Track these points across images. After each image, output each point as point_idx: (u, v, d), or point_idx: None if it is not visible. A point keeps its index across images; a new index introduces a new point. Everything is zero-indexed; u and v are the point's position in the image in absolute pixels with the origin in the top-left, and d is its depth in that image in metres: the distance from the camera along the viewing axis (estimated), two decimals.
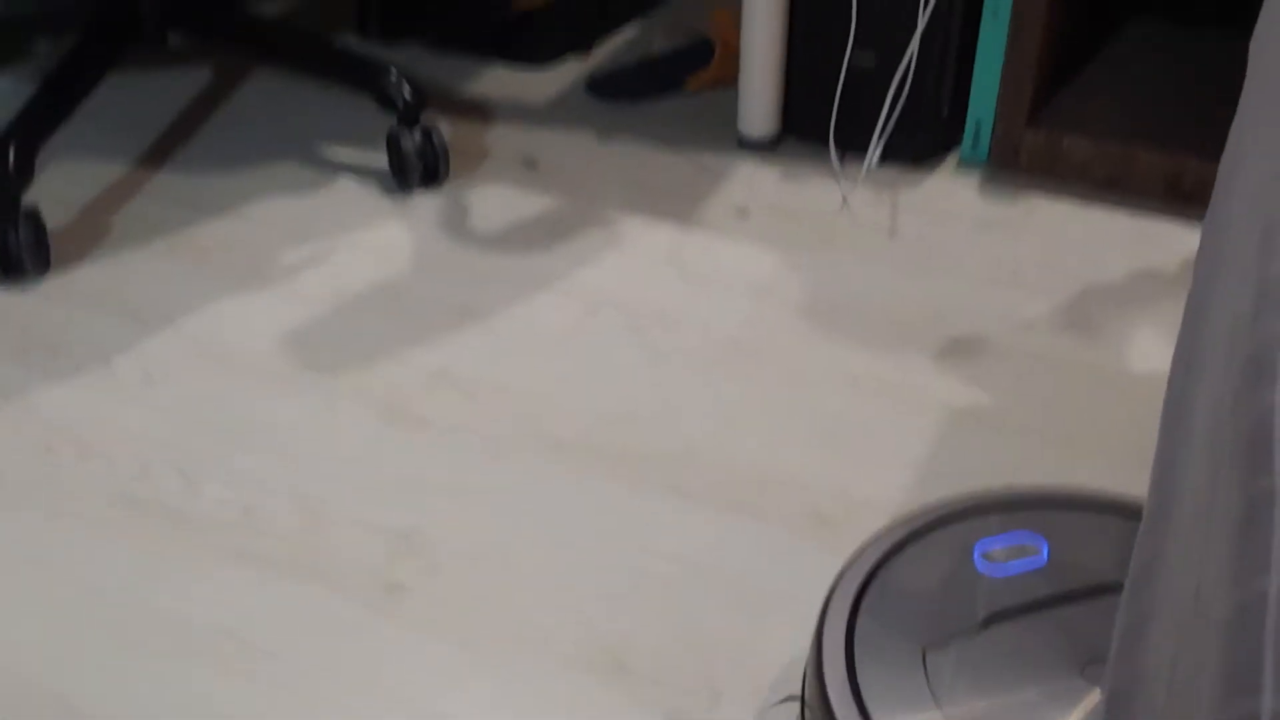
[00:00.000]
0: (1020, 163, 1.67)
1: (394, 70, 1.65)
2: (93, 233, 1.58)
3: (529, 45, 2.01)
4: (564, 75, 1.95)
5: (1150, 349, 1.37)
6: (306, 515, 1.19)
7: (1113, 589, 0.95)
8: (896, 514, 1.18)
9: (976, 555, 0.98)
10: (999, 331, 1.40)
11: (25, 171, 1.47)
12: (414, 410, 1.31)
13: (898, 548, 1.00)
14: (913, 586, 0.97)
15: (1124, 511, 1.02)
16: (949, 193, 1.65)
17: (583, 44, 2.02)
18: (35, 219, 1.48)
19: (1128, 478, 1.20)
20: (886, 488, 1.21)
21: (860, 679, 0.90)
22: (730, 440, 1.27)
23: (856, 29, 1.62)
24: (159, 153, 1.75)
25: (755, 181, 1.68)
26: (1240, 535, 0.38)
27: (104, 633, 1.08)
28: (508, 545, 1.16)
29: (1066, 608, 0.95)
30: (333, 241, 1.57)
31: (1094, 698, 0.89)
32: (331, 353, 1.39)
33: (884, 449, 1.25)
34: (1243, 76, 0.80)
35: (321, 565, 1.14)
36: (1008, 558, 0.98)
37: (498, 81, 1.94)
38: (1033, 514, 1.02)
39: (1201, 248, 0.85)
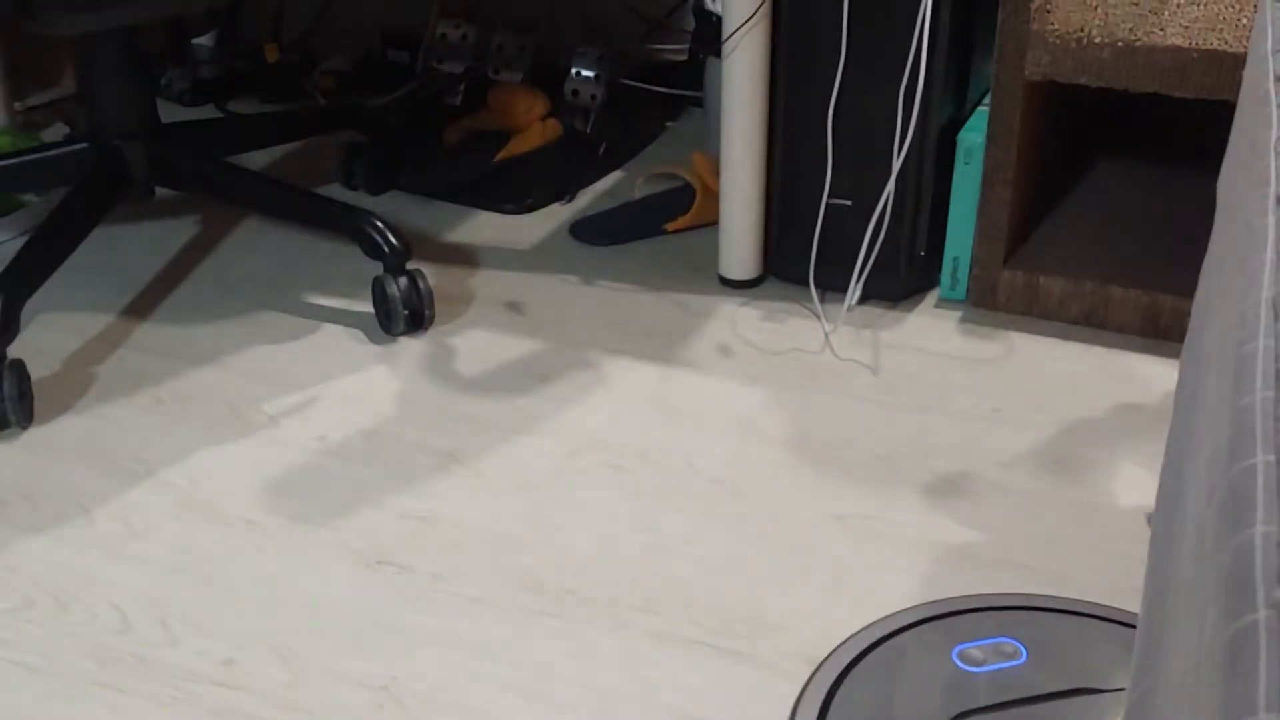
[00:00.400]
0: (999, 301, 1.69)
1: (379, 218, 1.67)
2: (77, 384, 1.58)
3: (513, 193, 2.04)
4: (547, 220, 1.98)
5: (1135, 484, 1.37)
6: (286, 667, 1.17)
7: (1088, 691, 0.94)
8: None
9: (954, 655, 0.97)
10: (984, 468, 1.40)
11: (10, 326, 1.48)
12: (397, 558, 1.29)
13: (874, 646, 0.99)
14: (886, 683, 0.95)
15: (1106, 619, 1.01)
16: (930, 330, 1.67)
17: (566, 191, 2.05)
18: (20, 372, 1.48)
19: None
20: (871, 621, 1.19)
21: None
22: (719, 582, 1.25)
23: (833, 172, 1.65)
24: (144, 303, 1.76)
25: (737, 321, 1.69)
26: (1226, 675, 0.37)
27: None
28: (492, 697, 1.13)
29: (1038, 707, 0.93)
30: (316, 389, 1.57)
31: None
32: (314, 501, 1.38)
33: (874, 588, 1.24)
34: (1212, 211, 0.82)
35: (302, 719, 1.11)
36: (985, 659, 0.97)
37: (482, 227, 1.97)
38: (1013, 619, 1.01)
39: (1180, 384, 0.86)
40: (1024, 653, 0.96)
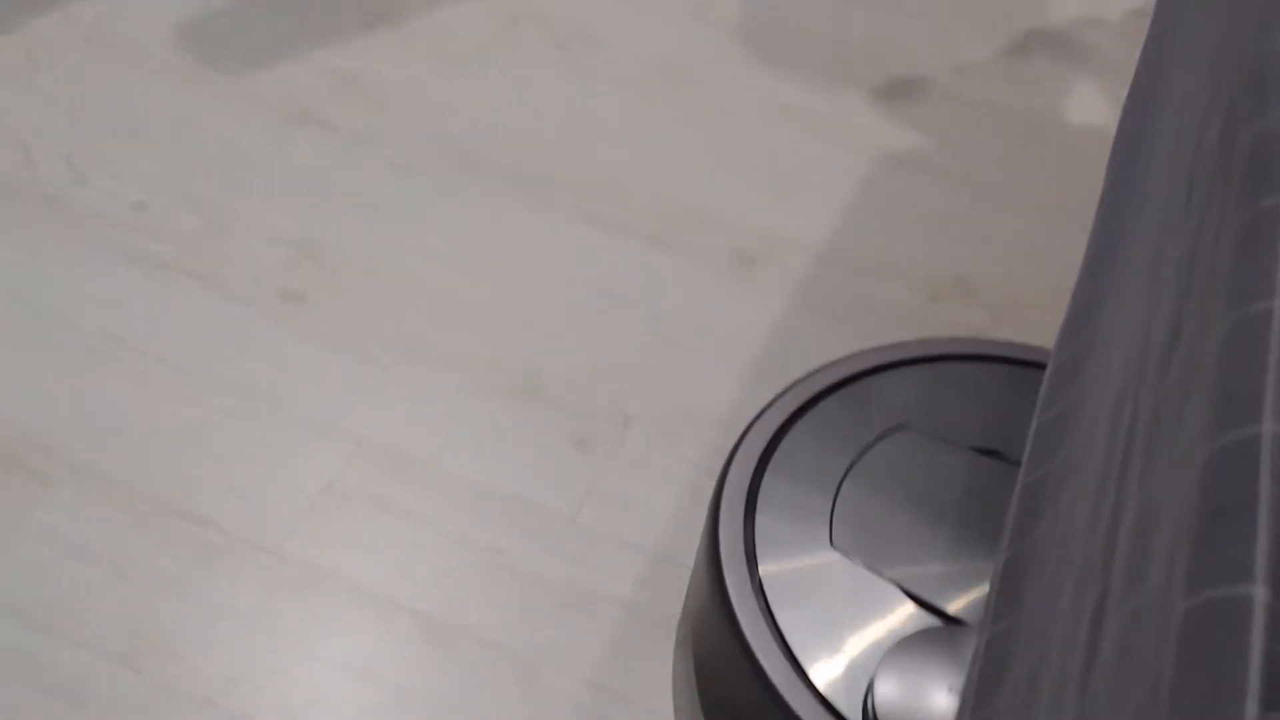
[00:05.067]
0: None
1: None
2: None
3: None
4: None
5: (1089, 101, 1.33)
6: (201, 217, 1.12)
7: None
8: (818, 254, 1.15)
9: None
10: (938, 72, 1.35)
11: None
12: (320, 115, 1.23)
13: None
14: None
15: None
16: None
17: None
18: None
19: (1056, 228, 1.17)
20: (812, 228, 1.17)
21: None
22: (653, 169, 1.21)
23: None
24: None
25: None
26: (1236, 259, 0.34)
27: None
28: (414, 262, 1.11)
29: None
30: None
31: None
32: (234, 48, 1.29)
33: (812, 187, 1.21)
34: None
35: (216, 269, 1.08)
36: None
37: None
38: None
39: None
40: None
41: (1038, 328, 1.08)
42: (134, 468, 0.94)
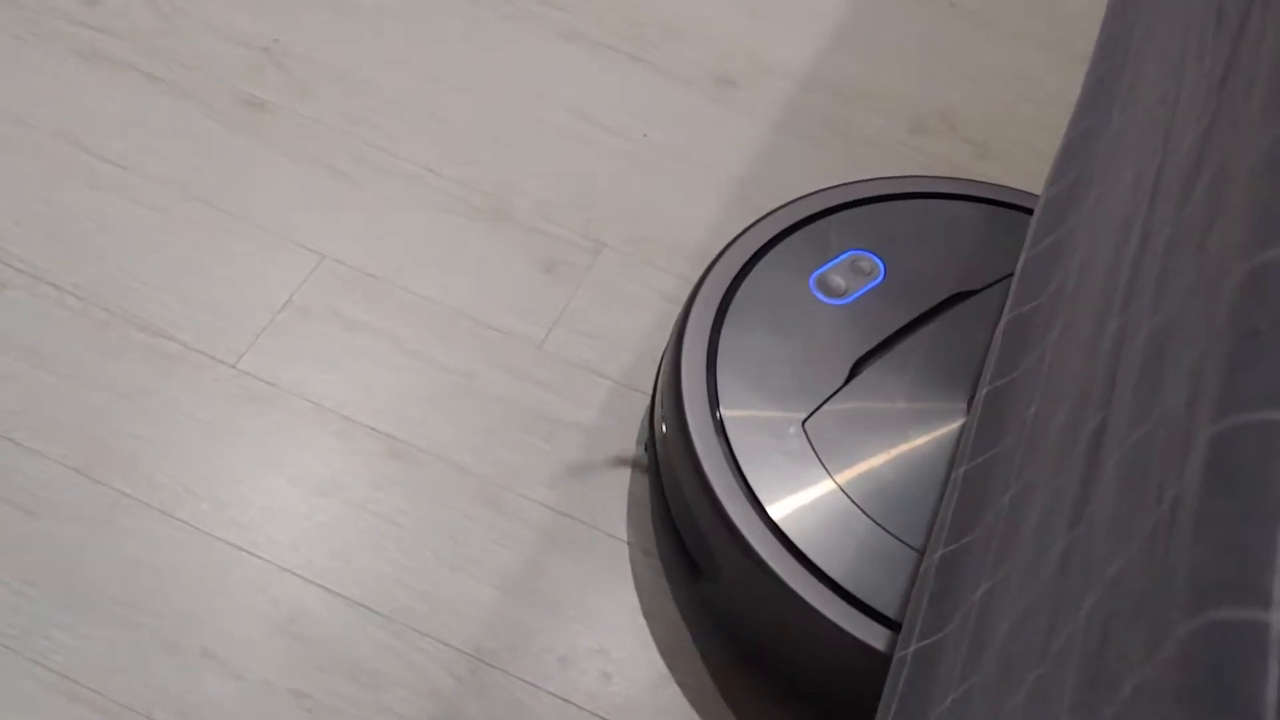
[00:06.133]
0: None
1: None
2: None
3: None
4: None
5: None
6: (160, 14, 1.07)
7: (963, 296, 0.85)
8: (800, 79, 1.11)
9: (812, 287, 0.87)
10: None
11: None
12: None
13: (735, 284, 0.88)
14: (762, 347, 0.84)
15: (956, 210, 0.92)
16: None
17: None
18: None
19: (1045, 62, 1.14)
20: (794, 51, 1.13)
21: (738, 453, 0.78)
22: None
23: None
24: None
25: None
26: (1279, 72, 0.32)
27: None
28: (381, 71, 1.07)
29: (924, 330, 0.83)
30: None
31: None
32: None
33: (795, 8, 1.17)
34: None
35: (174, 73, 1.04)
36: (847, 287, 0.86)
37: None
38: (856, 221, 0.91)
39: None
40: (881, 266, 0.85)
41: (1020, 165, 1.06)
42: (89, 274, 0.91)
